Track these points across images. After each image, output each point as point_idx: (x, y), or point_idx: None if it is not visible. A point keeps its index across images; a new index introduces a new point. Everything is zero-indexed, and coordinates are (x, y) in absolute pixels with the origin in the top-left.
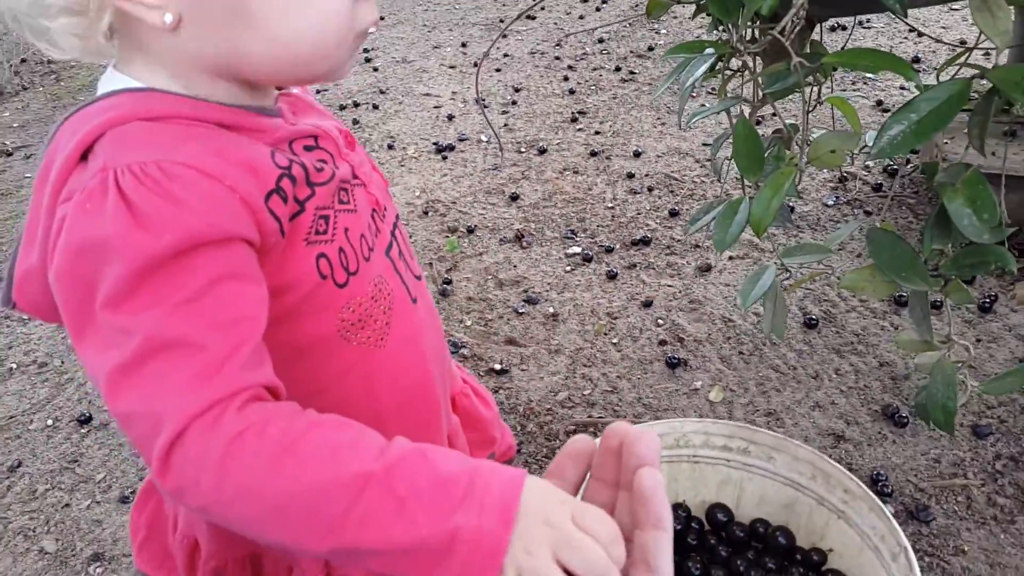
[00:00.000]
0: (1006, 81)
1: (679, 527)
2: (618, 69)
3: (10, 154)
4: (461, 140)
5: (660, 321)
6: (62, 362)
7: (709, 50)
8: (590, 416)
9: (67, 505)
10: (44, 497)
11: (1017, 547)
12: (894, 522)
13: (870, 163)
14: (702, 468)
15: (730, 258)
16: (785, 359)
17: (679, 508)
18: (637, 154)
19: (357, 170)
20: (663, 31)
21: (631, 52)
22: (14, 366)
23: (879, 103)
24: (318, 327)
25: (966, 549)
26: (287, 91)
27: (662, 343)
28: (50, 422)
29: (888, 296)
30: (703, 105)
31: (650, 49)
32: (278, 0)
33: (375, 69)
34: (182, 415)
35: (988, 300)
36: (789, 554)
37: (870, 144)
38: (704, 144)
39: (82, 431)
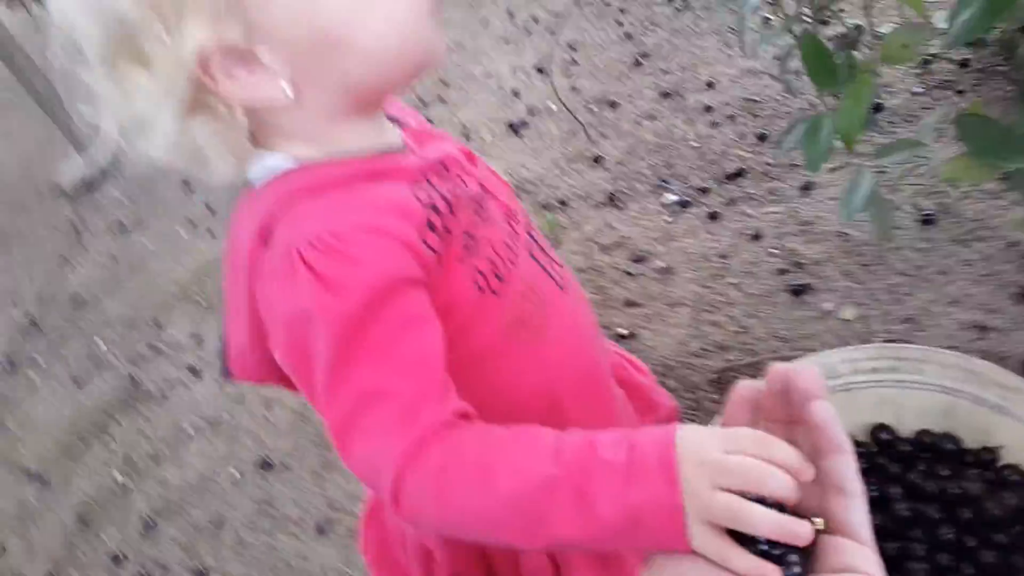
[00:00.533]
0: None
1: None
2: (670, 0)
3: (129, 230)
4: (531, 114)
5: (773, 251)
6: (231, 415)
7: None
8: (727, 361)
9: (273, 547)
10: (251, 545)
11: None
12: None
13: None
14: (854, 394)
15: (831, 170)
16: (909, 261)
17: None
18: (710, 85)
19: (485, 184)
20: None
21: None
22: (192, 431)
23: None
24: (485, 336)
25: None
26: (407, 125)
27: (781, 272)
28: (236, 474)
29: (991, 178)
30: (766, 20)
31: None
32: (352, 18)
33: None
34: (396, 462)
35: None
36: (959, 458)
37: (943, 26)
38: (777, 58)
39: (266, 475)
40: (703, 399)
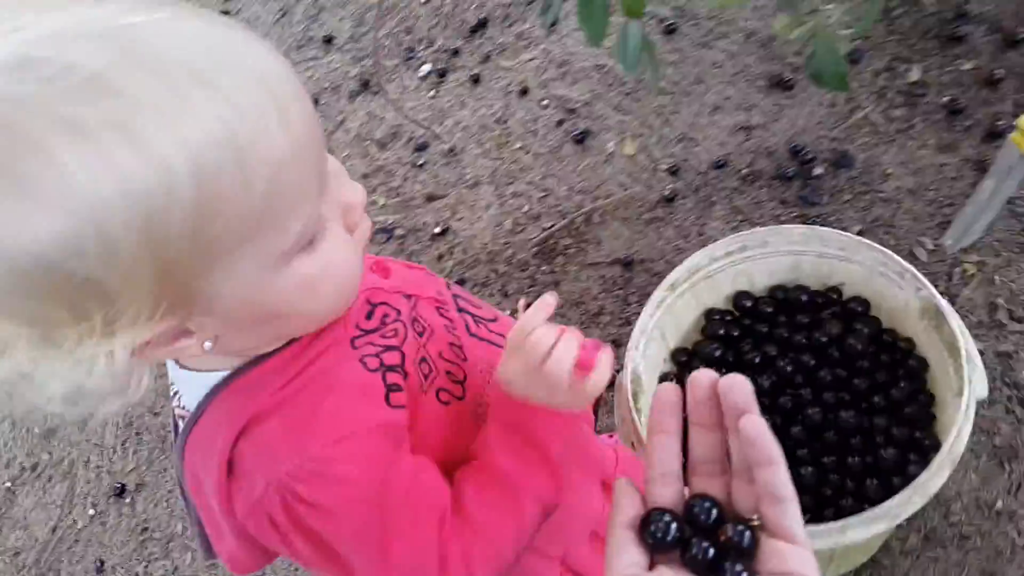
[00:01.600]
0: None
1: (717, 319)
2: None
3: None
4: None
5: (545, 102)
6: (50, 454)
7: None
8: (544, 229)
9: (176, 570)
10: None
11: (921, 145)
12: (891, 253)
13: None
14: (715, 278)
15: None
16: (668, 79)
17: (712, 312)
18: None
19: (405, 289)
20: None
21: None
22: (11, 484)
23: None
24: (459, 431)
25: (889, 171)
26: None
27: (559, 123)
28: (92, 511)
29: None
30: None
31: None
32: (301, 290)
33: None
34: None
35: None
36: (812, 302)
37: None
38: None
39: (125, 501)
40: (535, 273)
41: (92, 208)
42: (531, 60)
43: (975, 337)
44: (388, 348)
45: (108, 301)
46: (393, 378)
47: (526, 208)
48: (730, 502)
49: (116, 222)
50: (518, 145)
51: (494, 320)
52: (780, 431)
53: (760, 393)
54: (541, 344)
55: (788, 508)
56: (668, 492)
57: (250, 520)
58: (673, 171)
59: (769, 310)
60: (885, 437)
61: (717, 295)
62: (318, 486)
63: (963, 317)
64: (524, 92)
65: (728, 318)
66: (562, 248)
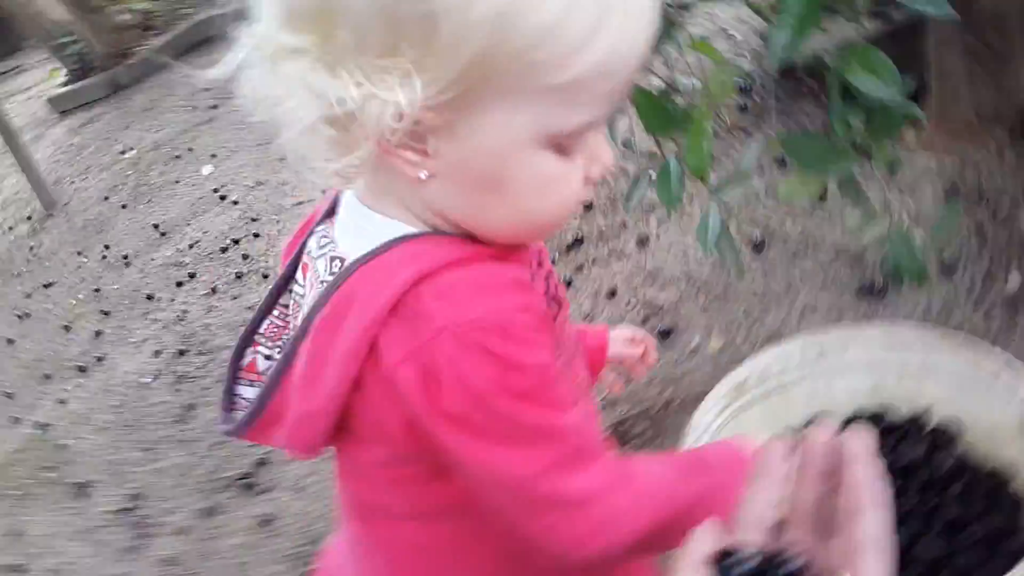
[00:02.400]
0: None
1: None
2: None
3: None
4: None
5: (631, 302)
6: None
7: None
8: (621, 414)
9: None
10: None
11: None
12: (983, 344)
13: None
14: (792, 390)
15: (659, 222)
16: (755, 285)
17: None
18: None
19: (551, 280)
20: None
21: None
22: None
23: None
24: None
25: None
26: None
27: (645, 320)
28: None
29: (821, 190)
30: None
31: None
32: (534, 181)
33: (235, 203)
34: (608, 493)
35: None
36: (892, 431)
37: (745, 66)
38: None
39: None
40: None
41: None
42: (622, 270)
43: None
44: (546, 292)
45: (426, 49)
46: (548, 304)
47: (604, 393)
48: (825, 559)
49: None
50: None
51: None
52: None
53: None
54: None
55: (880, 559)
56: (754, 537)
57: (404, 365)
58: None
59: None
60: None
61: (792, 416)
62: (497, 339)
63: None
64: (612, 294)
65: None
66: (636, 432)
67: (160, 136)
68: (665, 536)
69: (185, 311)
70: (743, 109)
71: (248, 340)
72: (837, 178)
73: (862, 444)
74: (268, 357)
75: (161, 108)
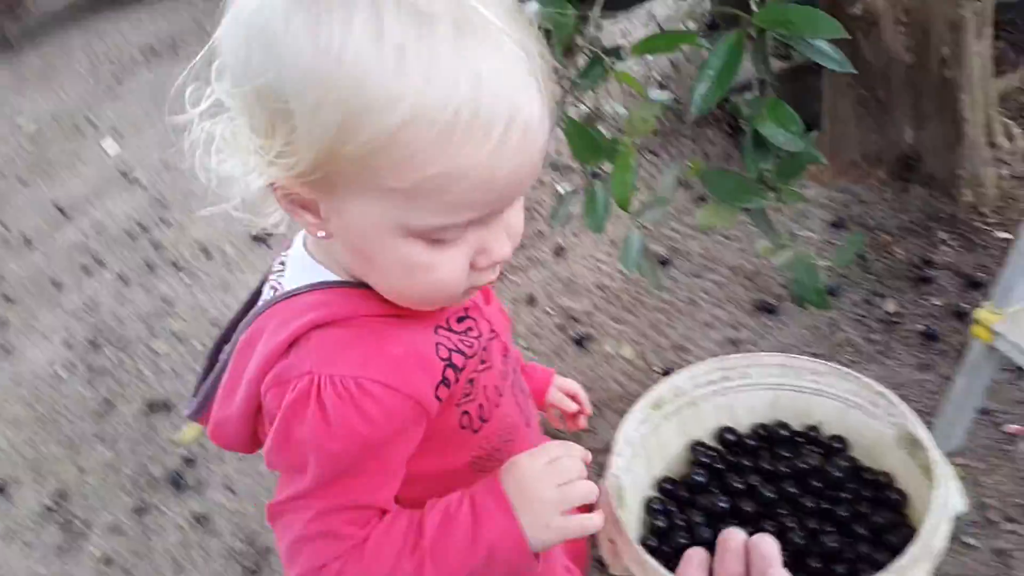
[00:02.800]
0: (767, 20)
1: (704, 460)
2: None
3: None
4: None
5: (549, 310)
6: None
7: None
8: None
9: None
10: None
11: (901, 364)
12: (863, 378)
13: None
14: (699, 406)
15: (574, 234)
16: (662, 299)
17: (699, 446)
18: None
19: (493, 324)
20: None
21: None
22: None
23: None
24: (452, 462)
25: None
26: None
27: (561, 328)
28: None
29: (735, 222)
30: None
31: None
32: (398, 265)
33: (142, 186)
34: (306, 568)
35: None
36: (791, 440)
37: (657, 98)
38: None
39: None
40: None
41: (338, 76)
42: (540, 277)
43: (970, 535)
44: (460, 352)
45: (290, 137)
46: (449, 374)
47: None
48: None
49: (335, 96)
50: (523, 344)
51: (527, 398)
52: None
53: (745, 520)
54: (573, 465)
55: None
56: None
57: (270, 392)
58: (666, 373)
59: (752, 443)
60: (869, 563)
61: (702, 428)
62: (343, 402)
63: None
64: (531, 301)
65: (713, 453)
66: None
67: (59, 106)
68: None
69: (95, 300)
70: (654, 133)
71: (224, 339)
72: (751, 212)
73: (773, 548)
74: None
75: (59, 75)
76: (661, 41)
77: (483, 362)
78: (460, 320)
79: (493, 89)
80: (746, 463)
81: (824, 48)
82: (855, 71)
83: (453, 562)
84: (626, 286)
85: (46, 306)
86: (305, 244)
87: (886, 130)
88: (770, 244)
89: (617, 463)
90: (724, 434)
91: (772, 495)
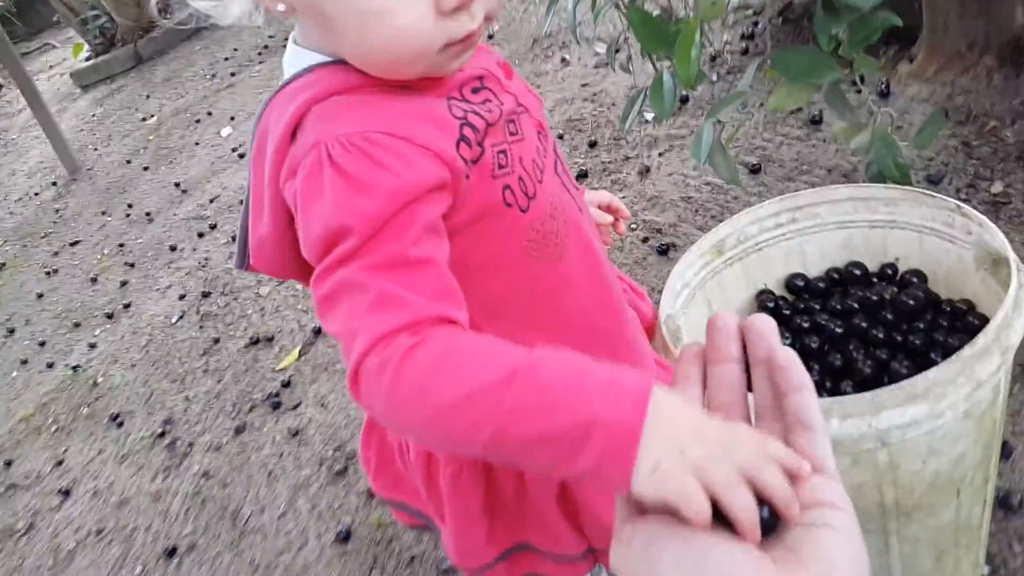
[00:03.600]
0: None
1: (771, 305)
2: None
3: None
4: None
5: (632, 225)
6: (117, 519)
7: None
8: None
9: None
10: None
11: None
12: (939, 196)
13: (727, 36)
14: (765, 252)
15: (660, 154)
16: (751, 204)
17: (764, 294)
18: None
19: (519, 99)
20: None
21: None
22: (73, 545)
23: None
24: (507, 248)
25: None
26: None
27: (644, 240)
28: (139, 569)
29: (808, 101)
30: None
31: (490, 38)
32: (351, 16)
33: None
34: (366, 343)
35: (884, 85)
36: (867, 280)
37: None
38: (583, 85)
39: (175, 563)
40: None
41: None
42: (624, 197)
43: None
44: (477, 115)
45: None
46: (468, 133)
47: None
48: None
49: None
50: None
51: (577, 188)
52: (832, 391)
53: (811, 355)
54: (776, 479)
55: (818, 437)
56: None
57: (289, 182)
58: None
59: (823, 286)
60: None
61: (768, 273)
62: (357, 160)
63: None
64: None
65: (781, 300)
66: None
67: (180, 103)
68: (433, 416)
69: (207, 258)
70: (745, 52)
71: None
72: (824, 91)
73: (770, 325)
74: None
75: (182, 78)
76: None
77: (513, 134)
78: (475, 91)
79: None
80: (816, 306)
81: None
82: None
83: (552, 403)
84: (713, 195)
85: (163, 268)
86: (295, 40)
87: (994, 12)
88: (847, 125)
89: (670, 302)
90: (793, 280)
91: (840, 329)
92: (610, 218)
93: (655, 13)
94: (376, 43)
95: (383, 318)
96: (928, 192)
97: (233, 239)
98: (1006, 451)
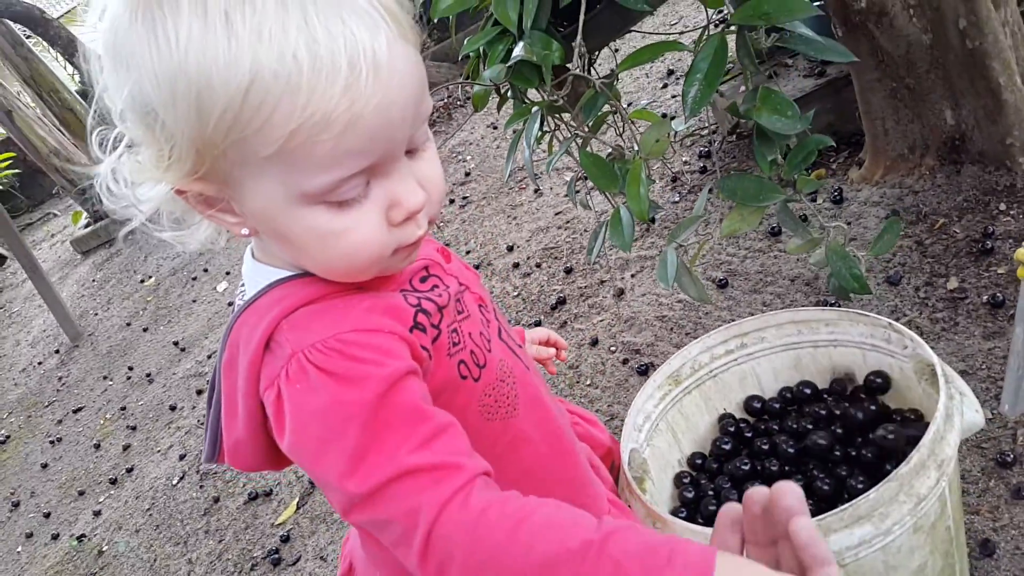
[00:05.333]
0: (744, 16)
1: (732, 429)
2: (452, 202)
3: None
4: None
5: (612, 348)
6: None
7: (535, 109)
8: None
9: None
10: None
11: (968, 337)
12: (872, 315)
13: (686, 157)
14: (722, 376)
15: (632, 275)
16: (722, 319)
17: (725, 418)
18: (510, 248)
19: (460, 279)
20: (469, 158)
21: (453, 184)
22: None
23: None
24: (465, 415)
25: None
26: None
27: (624, 362)
28: None
29: (759, 223)
30: (542, 173)
31: (467, 175)
32: (310, 235)
33: None
34: (436, 504)
35: (837, 193)
36: (819, 397)
37: (677, 128)
38: (557, 213)
39: None
40: None
41: (179, 62)
42: (603, 320)
43: None
44: (429, 300)
45: (165, 135)
46: (421, 319)
47: None
48: None
49: (184, 82)
50: (587, 383)
51: (520, 345)
52: None
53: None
54: None
55: None
56: None
57: (268, 391)
58: None
59: (778, 406)
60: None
61: (726, 398)
62: (337, 359)
63: None
64: (594, 343)
65: (743, 425)
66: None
67: (177, 262)
68: None
69: (205, 415)
70: (704, 171)
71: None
72: (776, 210)
73: (796, 496)
74: None
75: None
76: (646, 53)
77: (460, 312)
78: (423, 280)
79: (326, 30)
80: (774, 427)
81: (823, 43)
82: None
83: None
84: (686, 312)
85: (164, 428)
86: (253, 254)
87: (925, 116)
88: (799, 241)
89: (633, 436)
90: (750, 403)
91: (796, 451)
92: (552, 351)
93: (607, 152)
94: (335, 256)
95: (438, 489)
96: (862, 312)
97: None
98: (988, 549)
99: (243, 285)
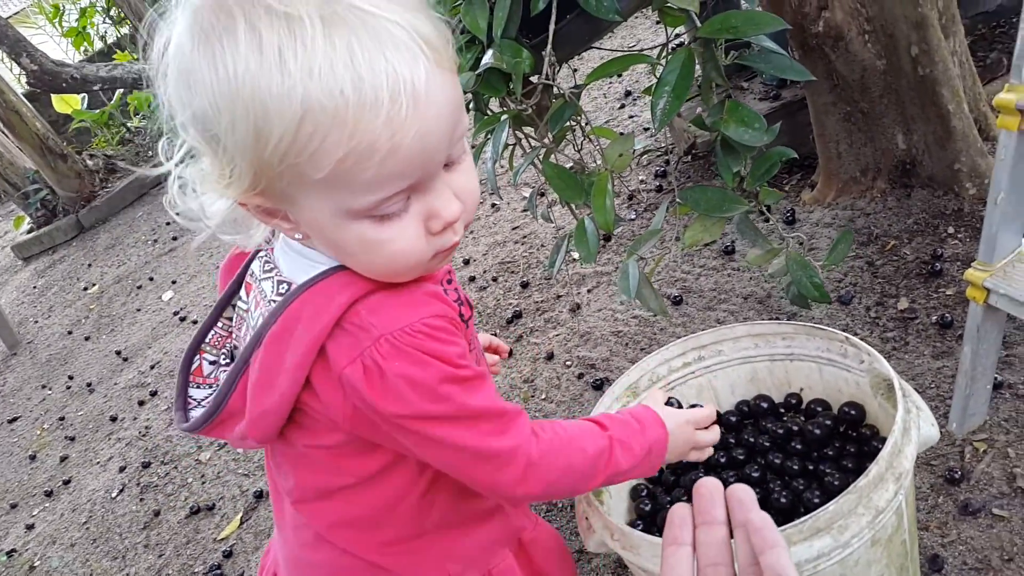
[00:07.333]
0: (712, 29)
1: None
2: None
3: None
4: None
5: (568, 363)
6: None
7: (504, 118)
8: None
9: None
10: None
11: (918, 356)
12: (829, 329)
13: (642, 176)
14: (679, 389)
15: (588, 291)
16: (677, 335)
17: None
18: (467, 262)
19: (460, 294)
20: None
21: None
22: None
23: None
24: None
25: None
26: None
27: (580, 376)
28: None
29: (721, 234)
30: (510, 184)
31: None
32: (357, 245)
33: (194, 323)
34: (528, 447)
35: (789, 214)
36: (776, 413)
37: (636, 145)
38: (514, 228)
39: None
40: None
41: (238, 91)
42: (558, 335)
43: (998, 506)
44: (458, 300)
45: (227, 156)
46: (464, 311)
47: None
48: None
49: (241, 110)
50: (543, 397)
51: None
52: None
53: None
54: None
55: None
56: None
57: (351, 367)
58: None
59: (735, 419)
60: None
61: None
62: (426, 339)
63: (982, 489)
64: (550, 357)
65: None
66: None
67: (122, 270)
68: (580, 478)
69: (147, 427)
70: (660, 190)
71: (196, 348)
72: (735, 222)
73: (749, 493)
74: (213, 362)
75: (124, 244)
76: (615, 65)
77: (466, 322)
78: (448, 282)
79: (370, 66)
80: (731, 440)
81: (783, 62)
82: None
83: (632, 448)
84: (641, 328)
85: (104, 440)
86: (288, 244)
87: (877, 140)
88: (760, 252)
89: None
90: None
91: (753, 464)
92: (496, 358)
93: (569, 165)
94: (379, 262)
95: (521, 430)
96: (819, 326)
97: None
98: (936, 564)
99: (268, 265)
